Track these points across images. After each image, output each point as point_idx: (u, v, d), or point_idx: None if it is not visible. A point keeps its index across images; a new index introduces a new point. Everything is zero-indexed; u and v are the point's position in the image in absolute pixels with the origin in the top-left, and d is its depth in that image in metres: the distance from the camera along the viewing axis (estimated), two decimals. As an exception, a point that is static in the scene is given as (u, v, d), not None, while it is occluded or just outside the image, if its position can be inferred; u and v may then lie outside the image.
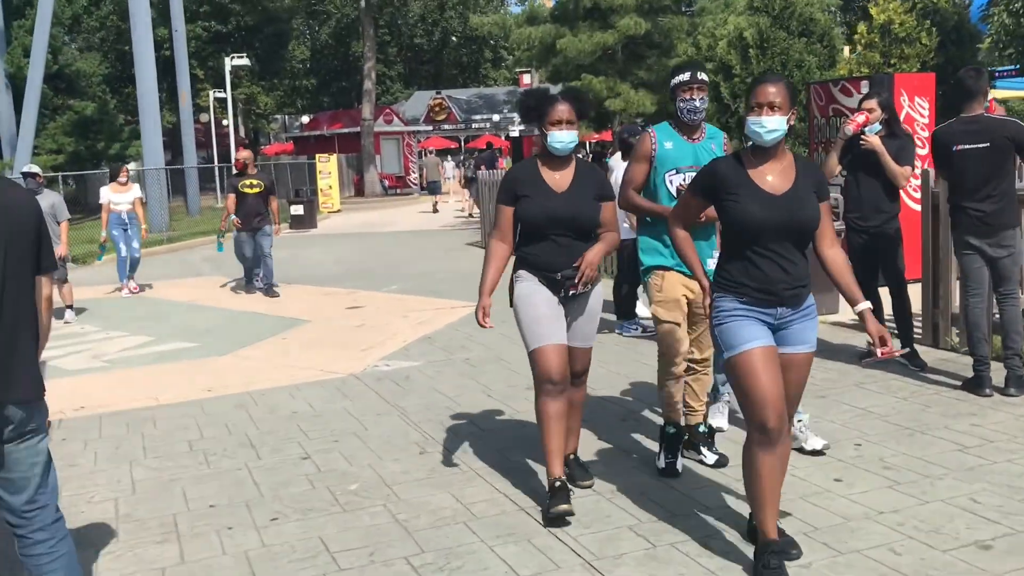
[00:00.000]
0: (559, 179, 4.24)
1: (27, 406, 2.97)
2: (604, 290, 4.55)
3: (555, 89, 5.36)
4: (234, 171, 12.12)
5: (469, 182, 28.12)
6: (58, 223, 10.36)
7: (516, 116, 49.36)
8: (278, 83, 61.19)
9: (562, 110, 4.16)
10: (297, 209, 22.65)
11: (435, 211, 26.02)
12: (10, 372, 2.92)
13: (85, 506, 4.64)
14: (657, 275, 4.62)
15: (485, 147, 35.28)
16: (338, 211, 28.62)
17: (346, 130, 36.83)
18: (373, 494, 4.61)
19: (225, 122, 57.01)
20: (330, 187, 28.79)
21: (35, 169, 11.13)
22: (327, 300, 11.11)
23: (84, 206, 30.73)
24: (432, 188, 27.31)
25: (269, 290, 11.52)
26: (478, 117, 56.52)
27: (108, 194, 12.12)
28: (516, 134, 44.50)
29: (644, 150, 4.62)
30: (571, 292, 4.27)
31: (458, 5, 62.20)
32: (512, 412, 5.93)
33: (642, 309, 8.50)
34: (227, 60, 23.19)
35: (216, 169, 26.16)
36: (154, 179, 23.13)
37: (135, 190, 12.32)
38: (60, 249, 10.41)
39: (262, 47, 41.34)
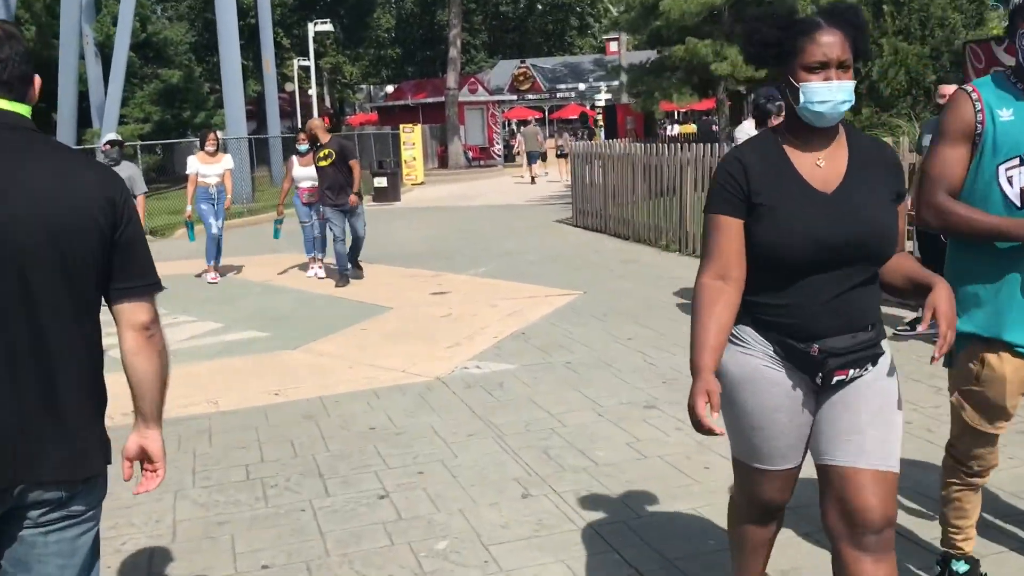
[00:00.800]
0: (825, 169, 2.37)
1: (60, 487, 2.04)
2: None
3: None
4: (299, 146, 10.81)
5: (533, 155, 26.96)
6: (134, 197, 9.67)
7: (603, 84, 48.01)
8: (363, 52, 60.71)
9: (830, 43, 2.25)
10: (381, 181, 21.83)
11: (532, 182, 25.48)
12: (33, 443, 1.99)
13: (112, 557, 3.75)
14: (976, 351, 2.83)
15: (580, 116, 33.95)
16: (422, 183, 27.78)
17: (430, 100, 35.92)
18: (467, 557, 3.61)
19: (310, 91, 56.83)
20: (414, 158, 27.95)
21: (116, 137, 10.45)
22: (410, 283, 10.17)
23: (172, 175, 30.67)
24: (531, 158, 26.41)
25: (355, 267, 10.53)
26: (563, 86, 55.08)
27: (196, 164, 10.74)
28: (601, 102, 43.07)
29: (962, 120, 2.77)
30: (838, 378, 2.38)
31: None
32: (631, 440, 4.85)
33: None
34: (310, 26, 22.40)
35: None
36: (236, 149, 22.59)
37: (226, 160, 10.93)
38: (135, 225, 9.73)
39: (347, 14, 40.60)
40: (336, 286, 10.07)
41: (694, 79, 15.90)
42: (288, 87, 39.11)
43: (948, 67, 10.55)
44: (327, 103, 58.83)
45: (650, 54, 19.71)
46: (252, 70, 39.94)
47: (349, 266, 10.33)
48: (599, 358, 6.55)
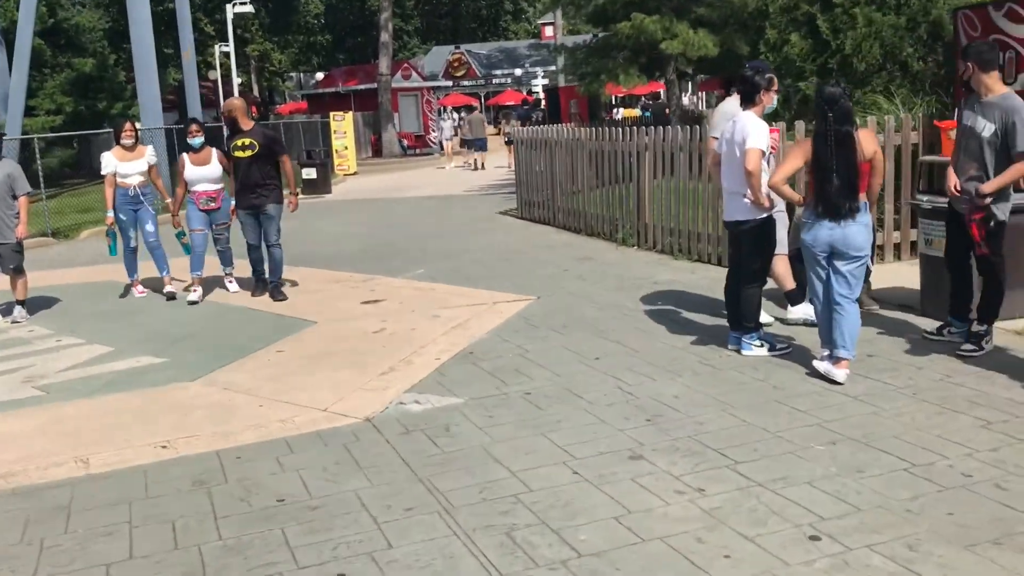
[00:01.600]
0: None
1: None
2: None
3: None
4: (191, 140, 8.72)
5: (477, 142, 25.86)
6: (15, 198, 8.20)
7: (539, 70, 46.83)
8: (292, 39, 58.58)
9: None
10: (309, 173, 20.37)
11: (476, 168, 24.95)
12: None
13: None
14: None
15: (522, 102, 32.79)
16: (354, 173, 26.32)
17: (362, 87, 34.33)
18: None
19: (240, 80, 54.52)
20: (346, 148, 26.46)
21: (-6, 129, 8.95)
22: (339, 290, 8.89)
23: (87, 169, 28.66)
24: (478, 145, 25.69)
25: (276, 291, 8.60)
26: (499, 72, 53.87)
27: (112, 162, 8.77)
28: (538, 87, 41.91)
29: None
30: None
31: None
32: (619, 512, 3.70)
33: (766, 316, 6.26)
34: (229, 8, 20.80)
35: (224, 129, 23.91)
36: (152, 140, 20.90)
37: (148, 155, 8.94)
38: (19, 230, 8.26)
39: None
40: (253, 295, 8.70)
41: (642, 59, 14.84)
42: (212, 75, 37.13)
43: (926, 39, 9.59)
44: (255, 91, 56.62)
45: (588, 38, 18.62)
46: (173, 58, 37.93)
47: (263, 272, 8.80)
48: (564, 386, 5.39)
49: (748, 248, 5.71)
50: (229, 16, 20.99)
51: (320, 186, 20.39)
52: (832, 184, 5.03)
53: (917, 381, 5.06)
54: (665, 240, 9.60)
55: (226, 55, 30.49)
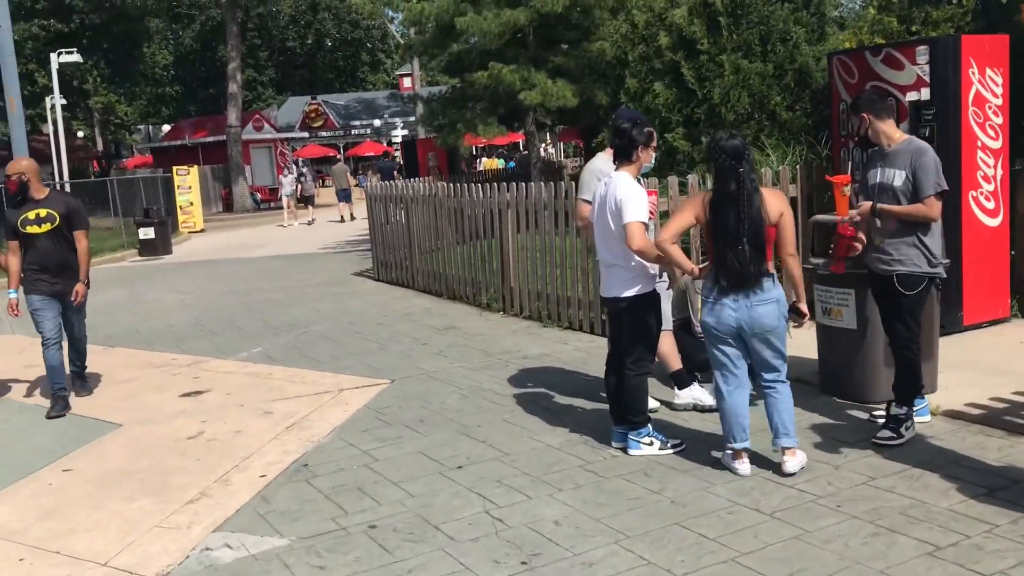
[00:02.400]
0: None
1: None
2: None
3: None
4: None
5: (342, 193, 24.71)
6: None
7: (398, 120, 45.92)
8: (140, 91, 55.71)
9: None
10: (147, 232, 18.62)
11: (343, 220, 24.05)
12: None
13: None
14: None
15: (383, 154, 31.64)
16: (201, 231, 24.51)
17: (211, 139, 32.51)
18: None
19: (80, 132, 51.21)
20: (191, 203, 24.65)
21: None
22: (156, 379, 7.51)
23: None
24: (342, 196, 24.69)
25: (80, 380, 7.15)
26: (358, 123, 52.64)
27: None
28: (398, 138, 40.97)
29: None
30: None
31: (331, 7, 58.04)
32: None
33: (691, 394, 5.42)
34: (53, 57, 18.88)
35: (57, 186, 21.71)
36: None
37: None
38: None
39: (112, 48, 36.33)
40: (48, 415, 6.56)
41: (500, 109, 14.07)
42: (45, 129, 34.39)
43: (792, 86, 9.13)
44: (99, 145, 53.41)
45: (445, 89, 17.84)
46: (4, 111, 35.01)
47: (65, 387, 6.78)
48: (419, 512, 4.29)
49: (632, 328, 4.79)
50: (54, 65, 19.08)
51: (159, 247, 18.65)
52: (738, 252, 4.20)
53: (838, 486, 4.22)
54: (533, 305, 8.68)
55: (67, 107, 28.20)
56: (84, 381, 7.21)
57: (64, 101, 26.33)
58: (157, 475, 5.11)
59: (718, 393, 4.52)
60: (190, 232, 24.02)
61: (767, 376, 4.41)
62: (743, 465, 4.45)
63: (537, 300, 8.60)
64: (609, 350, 5.09)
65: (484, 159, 26.34)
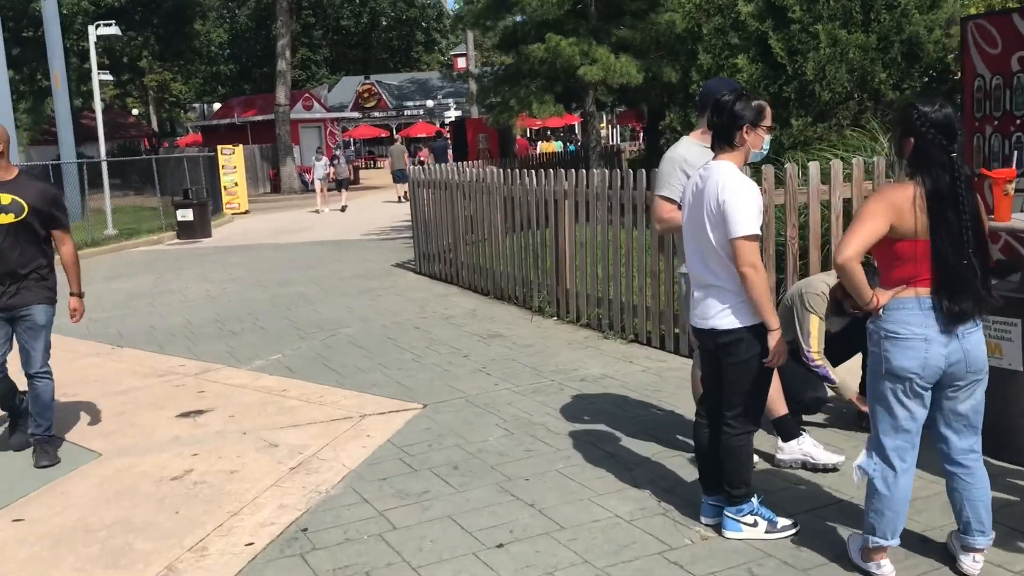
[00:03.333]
0: None
1: None
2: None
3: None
4: None
5: (398, 174, 23.78)
6: None
7: (451, 101, 44.78)
8: (195, 69, 55.37)
9: None
10: (185, 214, 17.77)
11: (400, 200, 23.60)
12: None
13: None
14: None
15: (435, 135, 30.47)
16: (245, 212, 23.71)
17: (260, 118, 31.76)
18: None
19: (134, 110, 51.11)
20: (235, 184, 23.84)
21: None
22: (157, 391, 6.49)
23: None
24: (399, 177, 23.97)
25: (41, 450, 5.07)
26: (411, 103, 51.67)
27: None
28: (451, 119, 39.89)
29: None
30: None
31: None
32: None
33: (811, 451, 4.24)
34: (91, 29, 18.09)
35: (104, 165, 20.97)
36: None
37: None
38: None
39: (162, 24, 35.70)
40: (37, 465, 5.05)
41: (557, 87, 12.84)
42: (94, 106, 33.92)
43: (900, 61, 7.76)
44: (153, 123, 53.29)
45: (511, 56, 16.58)
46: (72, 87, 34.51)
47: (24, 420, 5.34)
48: (443, 620, 3.15)
49: (735, 371, 3.56)
50: (92, 38, 18.31)
51: (197, 230, 17.79)
52: (965, 268, 2.98)
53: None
54: (591, 312, 7.48)
55: (106, 84, 27.57)
56: (46, 447, 5.12)
57: (110, 77, 25.69)
58: (122, 535, 4.04)
59: (887, 472, 3.21)
60: (233, 214, 23.22)
61: (962, 443, 3.17)
62: (886, 566, 3.23)
63: (597, 306, 7.40)
64: (705, 402, 3.85)
65: (540, 142, 24.90)
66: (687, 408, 5.18)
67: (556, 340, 7.21)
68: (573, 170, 7.85)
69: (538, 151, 26.82)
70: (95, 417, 5.91)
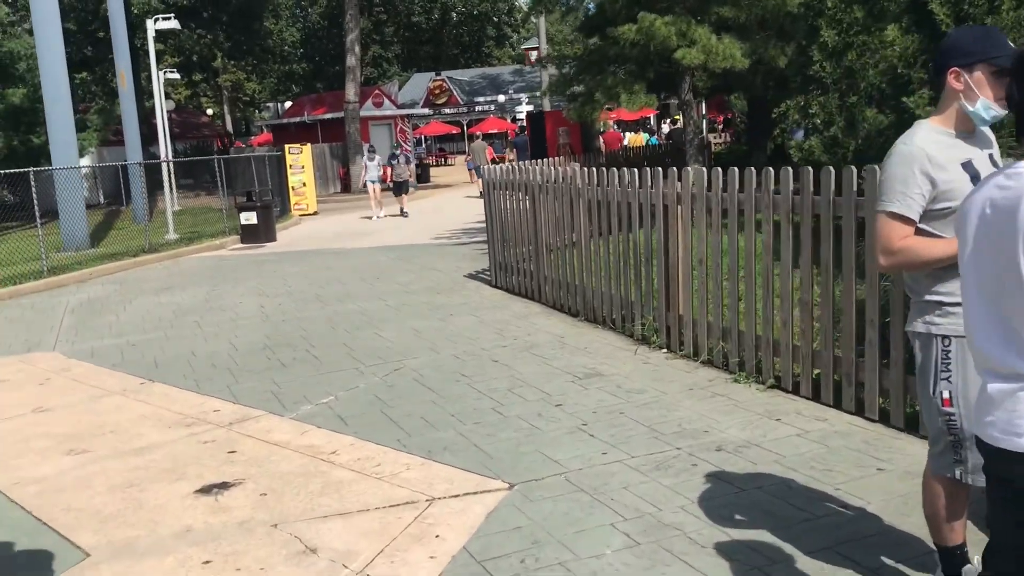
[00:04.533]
0: None
1: None
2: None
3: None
4: None
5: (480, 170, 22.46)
6: None
7: (523, 96, 43.31)
8: (268, 68, 55.07)
9: None
10: (248, 217, 16.71)
11: (482, 196, 21.49)
12: None
13: None
14: None
15: (518, 130, 29.08)
16: (314, 214, 22.68)
17: (330, 116, 30.81)
18: None
19: (210, 111, 50.90)
20: (303, 184, 22.82)
21: None
22: (178, 451, 5.19)
23: (24, 211, 24.96)
24: (479, 172, 22.31)
25: None
26: (481, 99, 50.43)
27: None
28: (523, 114, 38.43)
29: None
30: None
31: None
32: None
33: None
34: (150, 23, 17.15)
35: (166, 167, 20.15)
36: (66, 182, 17.30)
37: None
38: None
39: (230, 23, 35.03)
40: None
41: (649, 73, 11.26)
42: (168, 106, 33.45)
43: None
44: (228, 123, 53.12)
45: (595, 41, 15.02)
46: (144, 86, 34.30)
47: None
48: None
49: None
50: (150, 32, 17.38)
51: (261, 233, 16.72)
52: None
53: None
54: (714, 345, 5.95)
55: (177, 84, 26.84)
56: None
57: (176, 75, 24.92)
58: None
59: None
60: (301, 215, 22.19)
61: None
62: None
63: (722, 339, 5.86)
64: (993, 542, 2.30)
65: (629, 134, 23.21)
66: (879, 504, 3.64)
67: (672, 383, 5.69)
68: (682, 168, 6.32)
69: (626, 142, 25.18)
70: (96, 491, 4.62)
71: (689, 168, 6.13)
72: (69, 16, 33.78)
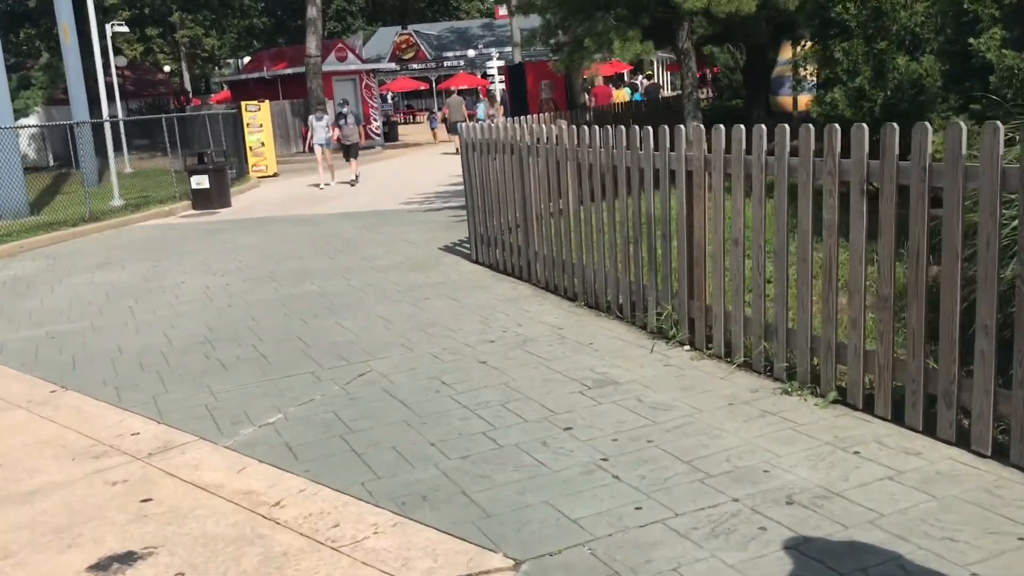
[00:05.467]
0: None
1: None
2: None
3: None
4: None
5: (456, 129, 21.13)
6: None
7: (494, 51, 41.64)
8: (228, 23, 52.67)
9: None
10: (200, 181, 15.28)
11: (458, 152, 20.11)
12: None
13: None
14: None
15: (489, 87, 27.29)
16: (274, 175, 21.24)
17: (291, 71, 29.10)
18: None
19: (167, 68, 48.62)
20: (262, 144, 21.33)
21: None
22: (78, 495, 3.97)
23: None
24: (454, 129, 21.34)
25: None
26: (450, 54, 48.61)
27: None
28: (494, 70, 36.88)
29: None
30: None
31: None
32: None
33: None
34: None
35: (109, 126, 18.53)
36: (-1, 144, 15.70)
37: None
38: None
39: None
40: None
41: (644, 19, 9.97)
42: (119, 62, 31.48)
43: None
44: (186, 80, 50.86)
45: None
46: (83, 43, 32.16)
47: None
48: None
49: None
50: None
51: (215, 199, 15.32)
52: None
53: None
54: (751, 344, 4.81)
55: (127, 38, 24.98)
56: None
57: (124, 27, 23.12)
58: None
59: None
60: (260, 177, 20.75)
61: None
62: None
63: (764, 338, 4.72)
64: None
65: (614, 89, 21.88)
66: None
67: (706, 395, 4.55)
68: (702, 126, 5.15)
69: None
70: (-47, 568, 3.41)
71: (714, 128, 4.93)
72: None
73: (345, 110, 18.64)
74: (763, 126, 4.61)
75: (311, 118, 19.08)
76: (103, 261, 10.62)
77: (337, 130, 18.29)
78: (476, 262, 8.50)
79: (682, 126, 5.26)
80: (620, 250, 6.03)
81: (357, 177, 18.02)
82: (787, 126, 4.48)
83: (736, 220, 4.81)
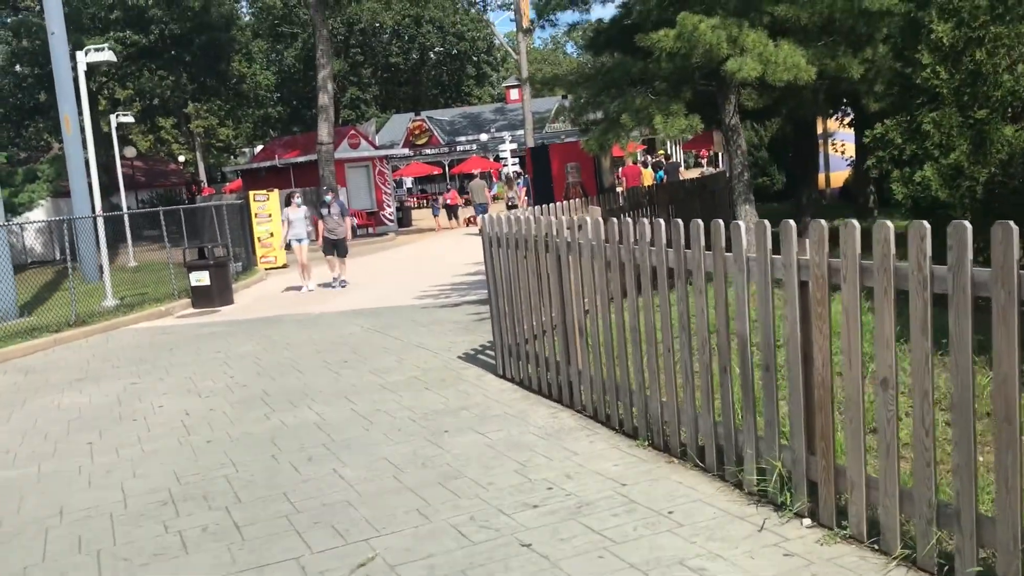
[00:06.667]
0: None
1: None
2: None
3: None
4: None
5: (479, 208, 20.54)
6: None
7: (506, 134, 40.98)
8: (244, 113, 52.56)
9: None
10: (199, 278, 14.02)
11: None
12: None
13: None
14: None
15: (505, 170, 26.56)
16: (283, 266, 20.03)
17: (303, 159, 28.22)
18: None
19: (182, 157, 48.32)
20: (271, 235, 20.20)
21: None
22: None
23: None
24: (480, 211, 22.83)
25: None
26: (463, 139, 48.12)
27: None
28: (506, 152, 36.05)
29: None
30: None
31: (435, 19, 53.79)
32: None
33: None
34: (80, 56, 14.40)
35: (100, 221, 17.28)
36: (-12, 240, 14.55)
37: None
38: None
39: (194, 62, 32.40)
40: None
41: (686, 91, 8.69)
42: (128, 152, 30.83)
43: None
44: (200, 170, 50.51)
45: (558, 102, 12.56)
46: (105, 132, 31.64)
47: None
48: None
49: None
50: (81, 67, 14.66)
51: (215, 296, 14.04)
52: None
53: None
54: (921, 528, 3.33)
55: (136, 129, 24.17)
56: None
57: (129, 117, 22.27)
58: None
59: None
60: (268, 269, 19.55)
61: None
62: None
63: (935, 522, 3.23)
64: None
65: (642, 168, 20.67)
66: None
67: (864, 617, 3.05)
68: (823, 221, 3.77)
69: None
70: None
71: (846, 223, 3.55)
72: (22, 59, 31.23)
73: (329, 198, 15.47)
74: (923, 223, 3.23)
75: (285, 209, 16.09)
76: (77, 377, 9.25)
77: (321, 223, 14.99)
78: (503, 376, 7.07)
79: (760, 217, 3.88)
80: (699, 376, 4.60)
81: (343, 281, 15.04)
82: (924, 223, 3.10)
83: (882, 353, 3.39)
